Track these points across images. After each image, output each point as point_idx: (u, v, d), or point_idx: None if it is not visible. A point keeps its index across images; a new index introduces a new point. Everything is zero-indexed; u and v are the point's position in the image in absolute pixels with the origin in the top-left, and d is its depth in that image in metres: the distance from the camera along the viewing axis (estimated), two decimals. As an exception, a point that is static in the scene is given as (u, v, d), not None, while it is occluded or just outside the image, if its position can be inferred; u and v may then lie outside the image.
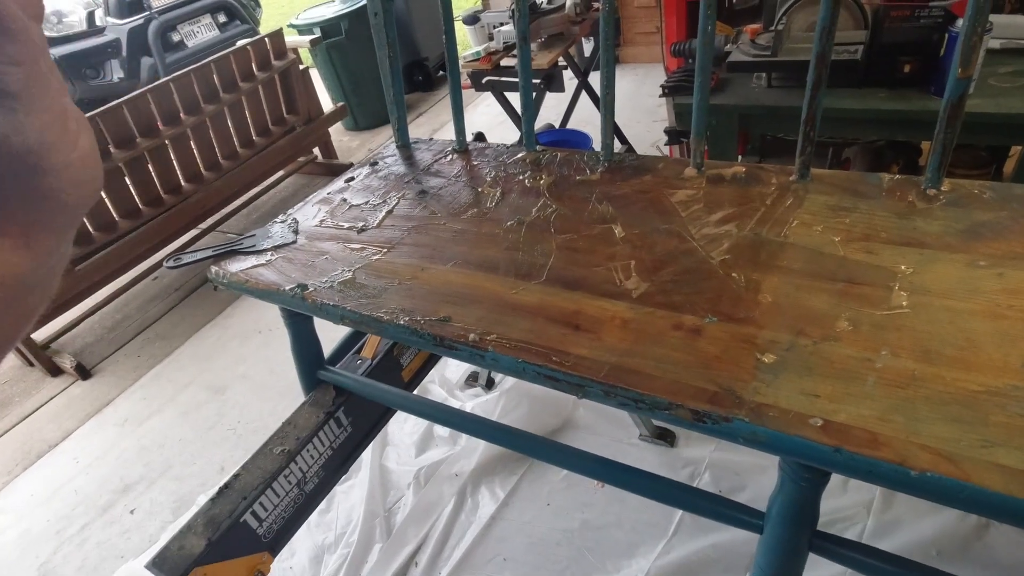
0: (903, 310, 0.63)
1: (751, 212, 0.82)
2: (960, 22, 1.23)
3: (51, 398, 2.45)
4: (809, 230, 0.77)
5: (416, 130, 4.12)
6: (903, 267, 0.68)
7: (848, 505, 1.55)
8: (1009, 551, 1.37)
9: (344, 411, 1.07)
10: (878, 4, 1.31)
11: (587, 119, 3.18)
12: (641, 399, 0.60)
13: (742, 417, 0.55)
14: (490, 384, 2.05)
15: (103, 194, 2.46)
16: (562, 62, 2.57)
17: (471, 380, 2.08)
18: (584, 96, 2.91)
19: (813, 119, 0.83)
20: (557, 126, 2.98)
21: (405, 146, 1.21)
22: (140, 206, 2.61)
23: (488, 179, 1.05)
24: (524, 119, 1.09)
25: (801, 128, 0.84)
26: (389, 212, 1.00)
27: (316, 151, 3.66)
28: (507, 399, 1.96)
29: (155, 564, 0.85)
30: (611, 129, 1.01)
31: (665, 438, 1.77)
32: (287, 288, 0.86)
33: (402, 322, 0.75)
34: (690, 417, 0.57)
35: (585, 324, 0.69)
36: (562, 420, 1.90)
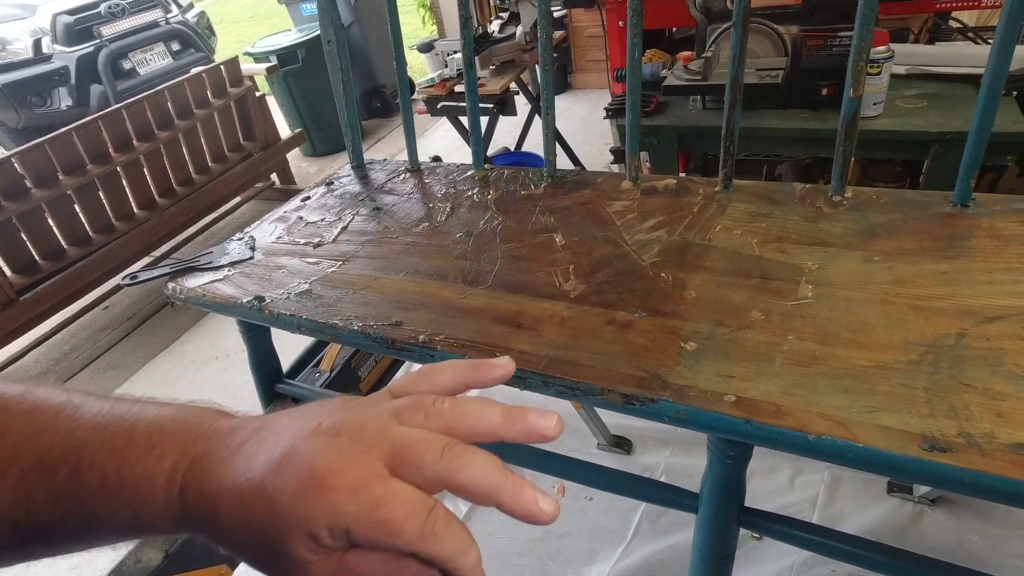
0: (808, 300, 0.71)
1: (680, 219, 0.90)
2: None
3: (-6, 433, 2.36)
4: (730, 234, 0.85)
5: (375, 155, 4.15)
6: (810, 263, 0.76)
7: (795, 501, 1.63)
8: (940, 535, 1.47)
9: (302, 423, 1.09)
10: (795, 34, 1.43)
11: (541, 142, 3.28)
12: (576, 386, 0.65)
13: (666, 398, 0.61)
14: (451, 401, 2.08)
15: (50, 221, 2.42)
16: (515, 88, 2.67)
17: (432, 397, 2.10)
18: (538, 120, 3.00)
19: (732, 135, 0.92)
20: (512, 149, 3.07)
21: (360, 166, 1.26)
22: (90, 233, 2.57)
23: (439, 196, 1.10)
24: (472, 139, 1.16)
25: (722, 143, 0.93)
26: (344, 228, 1.05)
27: (274, 177, 3.67)
28: (468, 414, 1.99)
29: (111, 579, 0.85)
30: (553, 147, 1.08)
31: (622, 446, 1.83)
32: (244, 300, 0.89)
33: (356, 327, 0.79)
34: (620, 400, 0.63)
35: (527, 323, 0.75)
36: (522, 433, 1.94)
